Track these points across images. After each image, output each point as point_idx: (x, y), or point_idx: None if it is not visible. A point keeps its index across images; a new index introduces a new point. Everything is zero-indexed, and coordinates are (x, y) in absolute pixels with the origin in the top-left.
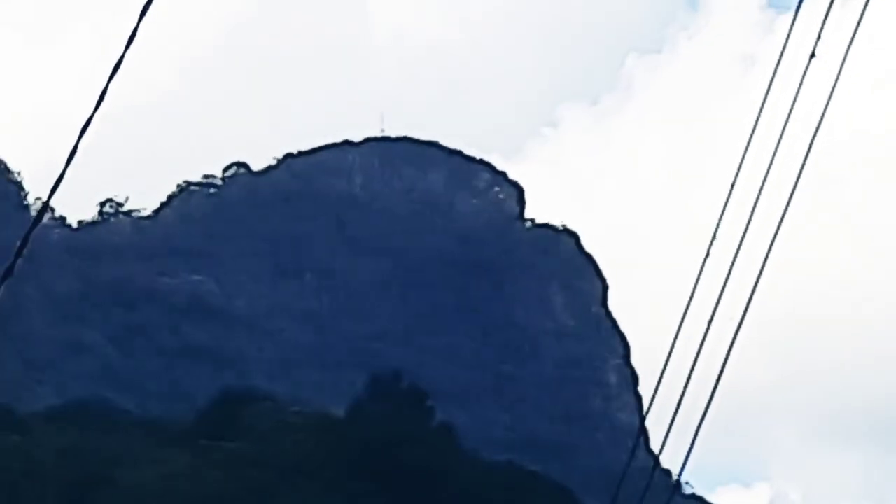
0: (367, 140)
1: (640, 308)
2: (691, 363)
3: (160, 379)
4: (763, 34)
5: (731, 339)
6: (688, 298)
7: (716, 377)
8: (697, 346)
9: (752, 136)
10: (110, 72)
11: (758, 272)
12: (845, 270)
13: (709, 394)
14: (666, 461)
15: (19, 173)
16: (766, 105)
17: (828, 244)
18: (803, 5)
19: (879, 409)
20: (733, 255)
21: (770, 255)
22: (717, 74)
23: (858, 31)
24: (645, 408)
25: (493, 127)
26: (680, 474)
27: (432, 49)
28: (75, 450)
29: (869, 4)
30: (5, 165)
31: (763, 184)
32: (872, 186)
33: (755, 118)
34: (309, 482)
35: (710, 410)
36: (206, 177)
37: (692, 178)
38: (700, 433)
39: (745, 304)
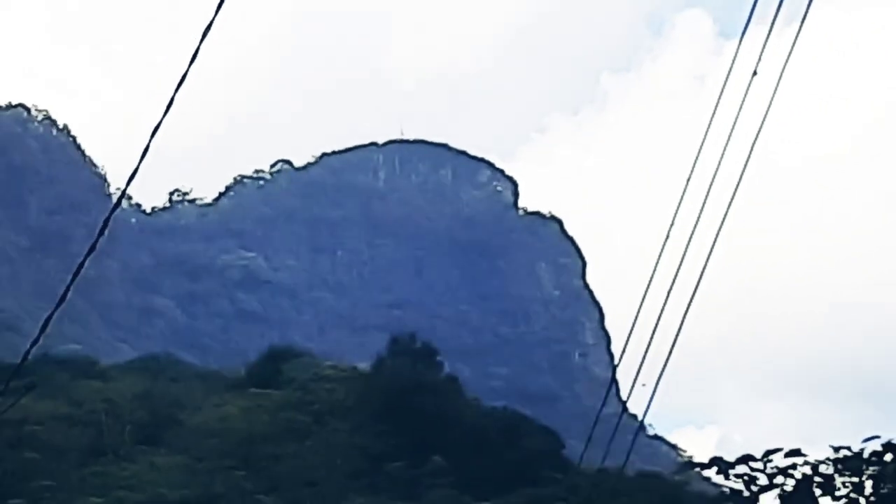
0: (389, 142)
1: (612, 281)
2: (653, 327)
3: (218, 338)
4: (714, 56)
5: (685, 307)
6: (650, 274)
7: (673, 338)
8: (658, 312)
9: (703, 140)
10: (177, 82)
11: (708, 253)
12: (786, 253)
13: (667, 351)
14: (633, 407)
15: (103, 167)
16: (718, 113)
17: (772, 230)
18: (749, 31)
19: (810, 365)
20: (688, 238)
21: (718, 240)
22: (677, 89)
23: (804, 52)
24: (616, 362)
25: (492, 132)
26: (644, 417)
27: (442, 68)
28: (147, 395)
29: (804, 29)
30: (92, 161)
31: (713, 178)
32: (814, 179)
33: (707, 125)
34: (340, 423)
35: (668, 365)
36: (256, 171)
37: (657, 175)
38: (660, 384)
39: (697, 280)
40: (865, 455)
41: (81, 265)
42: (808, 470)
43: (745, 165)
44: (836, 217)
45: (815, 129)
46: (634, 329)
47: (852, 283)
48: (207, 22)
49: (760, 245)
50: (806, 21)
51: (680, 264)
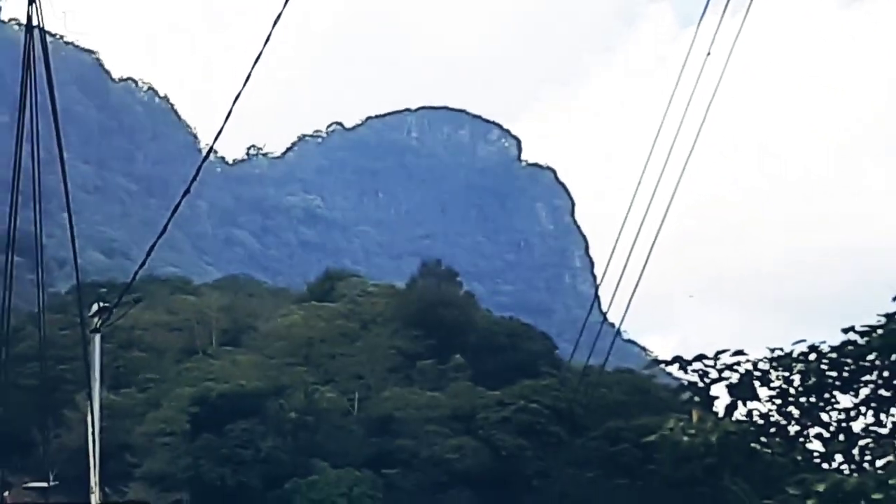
0: (420, 108)
1: (596, 218)
2: (628, 253)
3: (285, 262)
4: (674, 41)
5: (654, 237)
6: (626, 212)
7: (643, 262)
8: (632, 241)
9: (669, 104)
10: (255, 57)
11: (671, 194)
12: (742, 194)
13: (639, 273)
14: (611, 317)
15: (195, 128)
16: (680, 83)
17: (730, 174)
18: (705, 20)
19: (752, 286)
20: (656, 182)
21: (681, 184)
22: (645, 67)
23: (754, 35)
24: (598, 282)
25: (500, 100)
26: (620, 325)
27: (461, 51)
28: (229, 307)
29: (759, 17)
30: (186, 123)
31: (676, 136)
32: (768, 133)
33: (672, 93)
34: (381, 329)
35: (639, 284)
36: (315, 131)
37: (631, 134)
38: (633, 299)
39: (662, 217)
40: (794, 355)
41: (178, 205)
42: (749, 366)
43: (700, 127)
44: (784, 164)
45: (762, 94)
46: (613, 255)
47: (797, 219)
48: (278, 10)
49: (719, 189)
50: (750, 12)
51: (649, 204)
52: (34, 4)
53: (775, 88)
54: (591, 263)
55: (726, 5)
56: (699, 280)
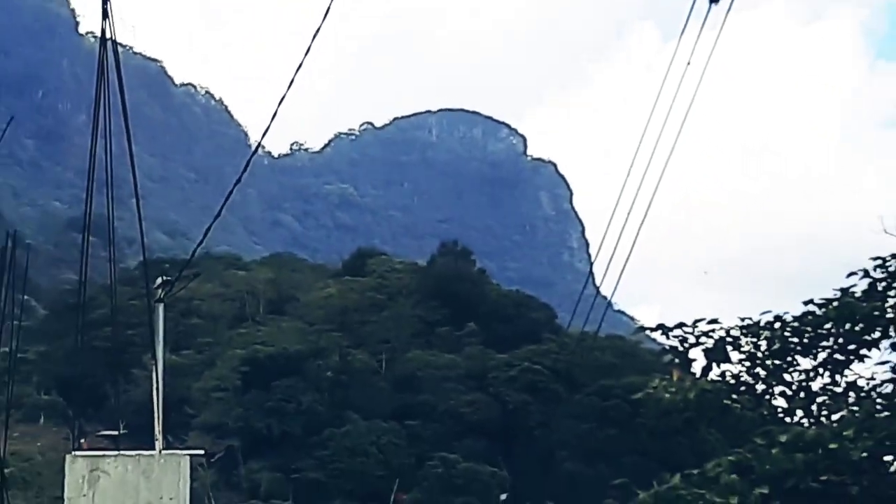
0: (440, 110)
1: (591, 205)
2: (618, 237)
3: (323, 242)
4: (658, 52)
5: (641, 221)
6: (616, 199)
7: (632, 243)
8: (622, 226)
9: (654, 107)
10: (298, 63)
11: (656, 185)
12: (719, 184)
13: (627, 254)
14: (604, 290)
15: (245, 126)
16: (664, 90)
17: (714, 162)
18: (686, 35)
19: (728, 266)
20: (642, 174)
21: (671, 182)
22: (633, 74)
23: (730, 47)
24: (592, 261)
25: (508, 102)
26: (611, 297)
27: (475, 59)
28: (275, 281)
29: (727, 30)
30: (237, 122)
31: (659, 135)
32: (747, 125)
33: (656, 98)
34: (405, 300)
35: (627, 263)
36: (349, 129)
37: (622, 131)
38: (623, 275)
39: (647, 204)
40: (762, 324)
41: (231, 192)
42: (722, 333)
43: (681, 126)
44: (763, 162)
45: (742, 101)
46: (605, 237)
47: (773, 211)
48: (319, 19)
49: (704, 186)
50: (724, 28)
51: (636, 193)
52: (107, 20)
53: (753, 95)
54: (587, 244)
55: (703, 23)
56: (683, 261)
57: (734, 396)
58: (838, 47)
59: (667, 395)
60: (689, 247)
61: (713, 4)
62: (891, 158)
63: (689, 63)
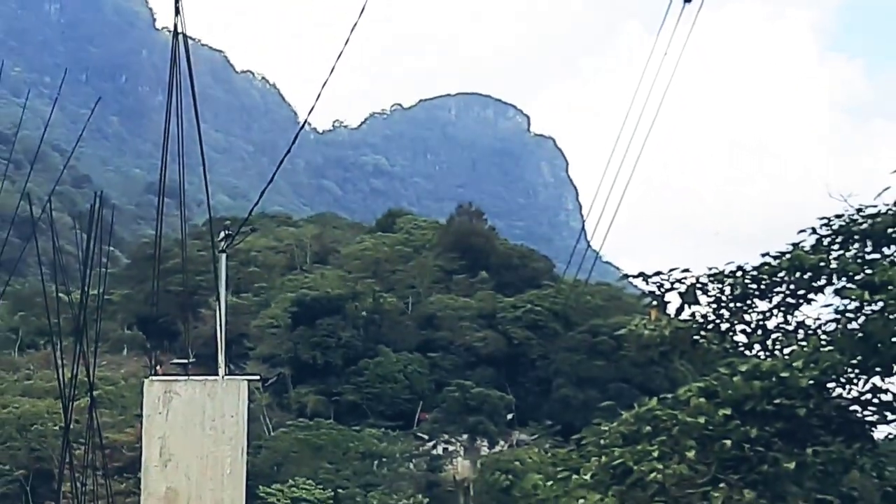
0: (458, 94)
1: (584, 173)
2: (605, 199)
3: (360, 204)
4: (641, 46)
5: (624, 187)
6: (604, 169)
7: (617, 205)
8: (608, 192)
9: (635, 92)
10: (338, 53)
11: (637, 154)
12: (703, 154)
13: (614, 212)
14: (594, 244)
15: (295, 106)
16: (644, 79)
17: (691, 139)
18: (664, 32)
19: (699, 225)
20: (626, 145)
21: (655, 154)
22: (619, 66)
23: (706, 40)
24: (584, 219)
25: (515, 86)
26: (600, 250)
27: (488, 51)
28: (319, 236)
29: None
30: (289, 103)
31: (641, 113)
32: (723, 104)
33: (637, 85)
34: (428, 253)
35: (613, 221)
36: (382, 110)
37: (610, 113)
38: (609, 232)
39: (630, 173)
40: (726, 272)
41: (281, 161)
42: (693, 280)
43: (661, 103)
44: (737, 139)
45: (721, 86)
46: (595, 199)
47: (746, 179)
48: (356, 16)
49: (679, 151)
50: (696, 24)
51: (621, 161)
52: (179, 16)
53: (724, 80)
54: (580, 206)
55: (678, 19)
56: (661, 219)
57: (702, 333)
58: (794, 41)
59: (646, 332)
60: (667, 208)
61: (686, 4)
62: (836, 134)
63: (665, 53)
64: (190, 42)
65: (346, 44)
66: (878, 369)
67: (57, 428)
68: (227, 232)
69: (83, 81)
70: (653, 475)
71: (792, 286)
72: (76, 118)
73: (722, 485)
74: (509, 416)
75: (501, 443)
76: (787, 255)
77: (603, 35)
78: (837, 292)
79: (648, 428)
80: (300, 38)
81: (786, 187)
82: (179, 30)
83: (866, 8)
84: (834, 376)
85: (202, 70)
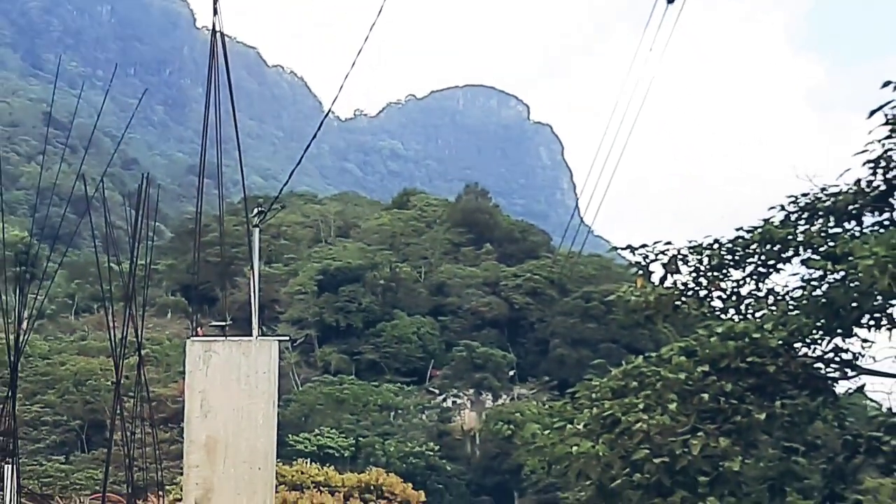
0: (465, 85)
1: (578, 156)
2: (596, 180)
3: (377, 184)
4: (628, 44)
5: (613, 170)
6: (595, 153)
7: (606, 186)
8: (598, 174)
9: (623, 84)
10: (358, 50)
11: (624, 142)
12: (686, 139)
13: (604, 191)
14: (587, 220)
15: (321, 97)
16: (631, 75)
17: (676, 126)
18: (648, 33)
19: (681, 203)
20: (615, 131)
21: (644, 142)
22: (609, 62)
23: (692, 37)
24: (577, 197)
25: (517, 79)
26: (591, 225)
27: (494, 46)
28: (342, 212)
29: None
30: (314, 93)
31: (629, 102)
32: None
33: (623, 80)
34: (439, 228)
35: (603, 199)
36: (397, 100)
37: (602, 102)
38: (600, 209)
39: (619, 155)
40: (704, 245)
41: (308, 146)
42: (675, 251)
43: (647, 91)
44: (715, 116)
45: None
46: (587, 182)
47: (716, 151)
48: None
49: (664, 137)
50: (679, 23)
51: (611, 146)
52: (217, 16)
53: (706, 73)
54: (574, 186)
55: (660, 24)
56: (647, 198)
57: (683, 299)
58: (769, 39)
59: (633, 298)
60: (652, 187)
61: (669, 4)
62: (805, 123)
63: (650, 49)
64: (226, 39)
65: (365, 41)
66: (839, 331)
67: (109, 383)
68: (259, 209)
69: (132, 75)
70: (638, 425)
71: (763, 257)
72: (125, 108)
73: (700, 433)
74: (511, 373)
75: (504, 396)
76: (759, 230)
77: (596, 34)
78: (804, 262)
79: (635, 383)
80: (325, 36)
81: (760, 168)
82: (217, 28)
83: (832, 12)
84: (800, 337)
85: (237, 64)
